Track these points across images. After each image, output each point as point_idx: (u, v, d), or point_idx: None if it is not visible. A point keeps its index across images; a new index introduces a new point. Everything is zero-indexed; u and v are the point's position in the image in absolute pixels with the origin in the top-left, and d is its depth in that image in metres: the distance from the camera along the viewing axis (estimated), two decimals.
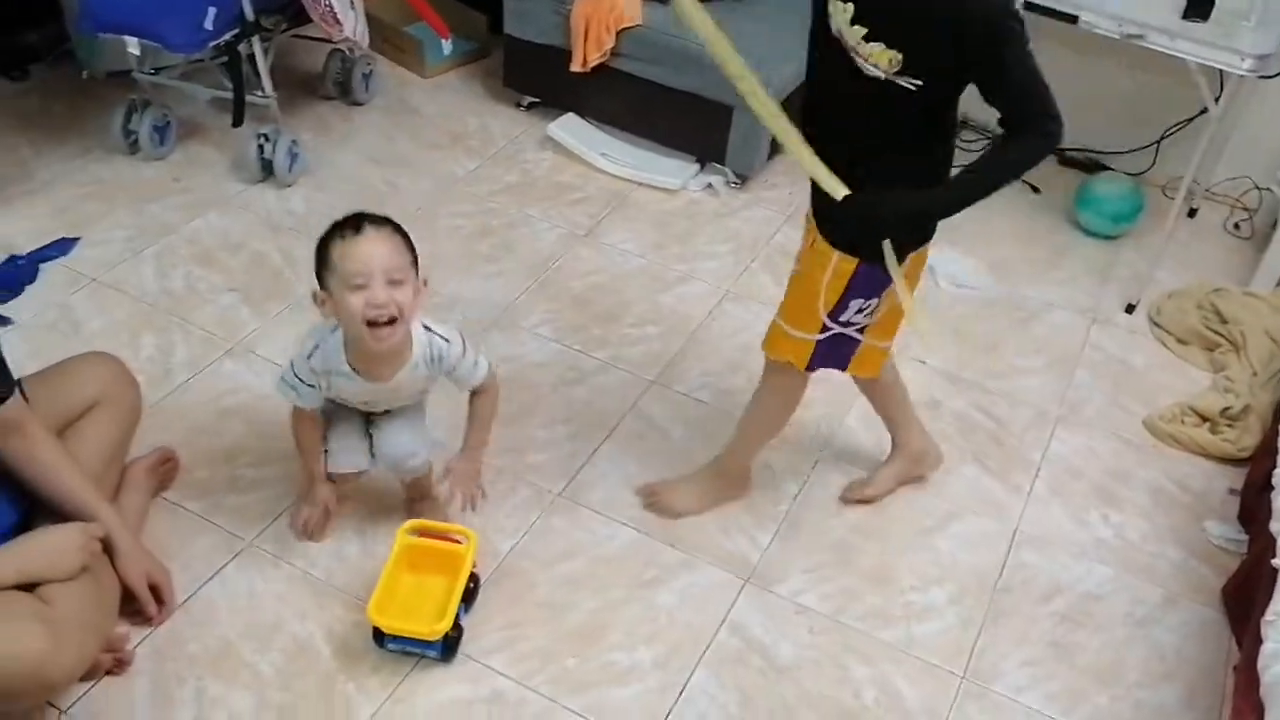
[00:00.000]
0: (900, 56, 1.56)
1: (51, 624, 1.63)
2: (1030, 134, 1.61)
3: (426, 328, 1.86)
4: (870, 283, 1.81)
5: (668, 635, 1.99)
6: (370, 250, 1.70)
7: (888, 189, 1.66)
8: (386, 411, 2.00)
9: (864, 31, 1.57)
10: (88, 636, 1.71)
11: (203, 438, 2.26)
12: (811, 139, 1.67)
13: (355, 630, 1.91)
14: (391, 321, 1.73)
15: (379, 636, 1.86)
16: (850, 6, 1.57)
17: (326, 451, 2.00)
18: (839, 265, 1.80)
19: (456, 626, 1.88)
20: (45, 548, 1.70)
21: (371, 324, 1.72)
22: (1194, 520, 2.31)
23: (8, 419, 1.76)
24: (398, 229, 1.77)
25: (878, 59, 1.57)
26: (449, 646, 1.87)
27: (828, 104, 1.72)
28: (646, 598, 2.05)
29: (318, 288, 1.78)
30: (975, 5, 1.53)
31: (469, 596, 1.94)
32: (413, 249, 1.78)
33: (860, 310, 1.85)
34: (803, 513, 2.25)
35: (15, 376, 1.92)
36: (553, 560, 2.10)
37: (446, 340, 1.87)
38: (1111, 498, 2.36)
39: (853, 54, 1.60)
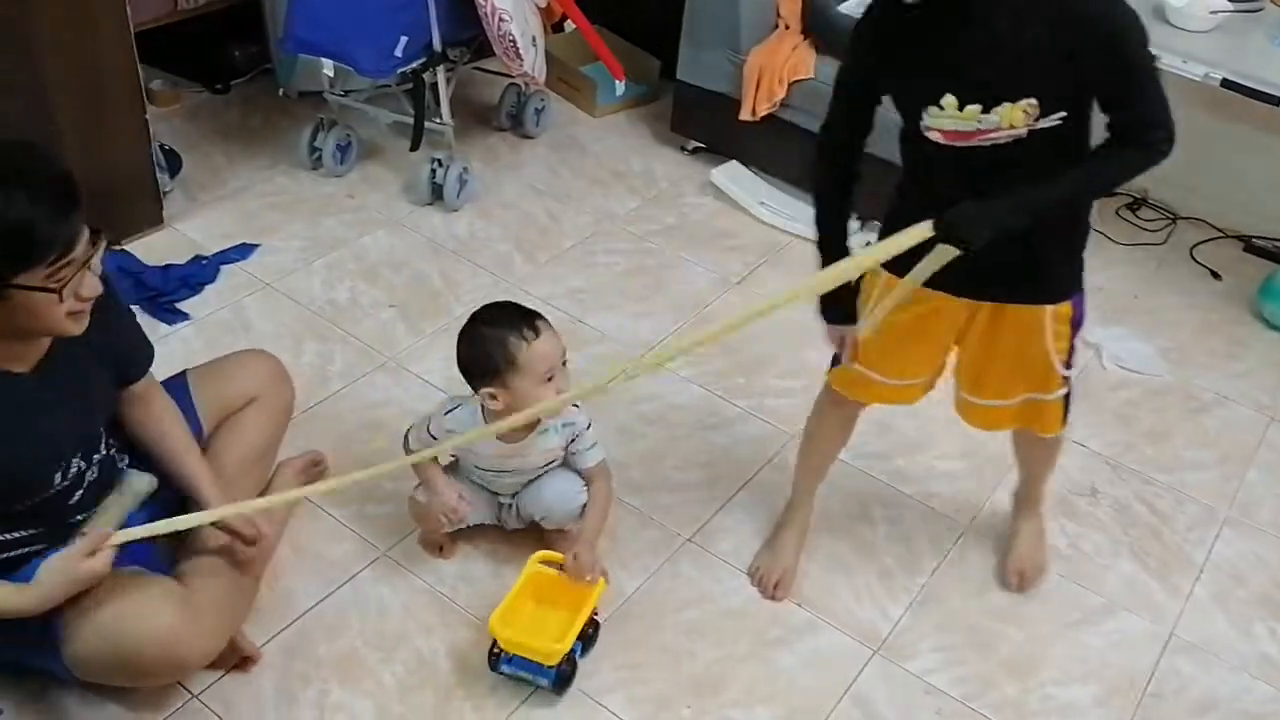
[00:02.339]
0: (1034, 101, 1.48)
1: (188, 605, 1.69)
2: (1138, 145, 1.51)
3: None
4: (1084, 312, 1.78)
5: (787, 698, 1.93)
6: (555, 344, 1.87)
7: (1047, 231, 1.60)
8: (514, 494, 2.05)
9: (979, 108, 1.50)
10: (222, 621, 1.76)
11: (350, 446, 2.32)
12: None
13: (476, 651, 1.92)
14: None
15: (493, 660, 1.86)
16: (950, 99, 1.50)
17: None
18: (1058, 313, 1.74)
19: (571, 661, 1.86)
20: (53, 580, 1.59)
21: None
22: None
23: (135, 390, 1.82)
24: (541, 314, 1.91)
25: (1011, 118, 1.50)
26: (562, 679, 1.86)
27: (967, 192, 1.56)
28: (769, 656, 1.99)
29: (486, 389, 1.86)
30: (1087, 4, 1.45)
31: (588, 640, 1.93)
32: None
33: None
34: (940, 588, 2.16)
35: (184, 367, 2.03)
36: (677, 606, 2.07)
37: (576, 406, 1.97)
38: None
39: (977, 139, 1.53)
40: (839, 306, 1.81)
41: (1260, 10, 2.83)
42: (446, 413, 1.97)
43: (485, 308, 1.94)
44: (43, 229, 1.42)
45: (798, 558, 2.13)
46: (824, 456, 2.13)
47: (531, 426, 1.92)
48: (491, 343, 1.84)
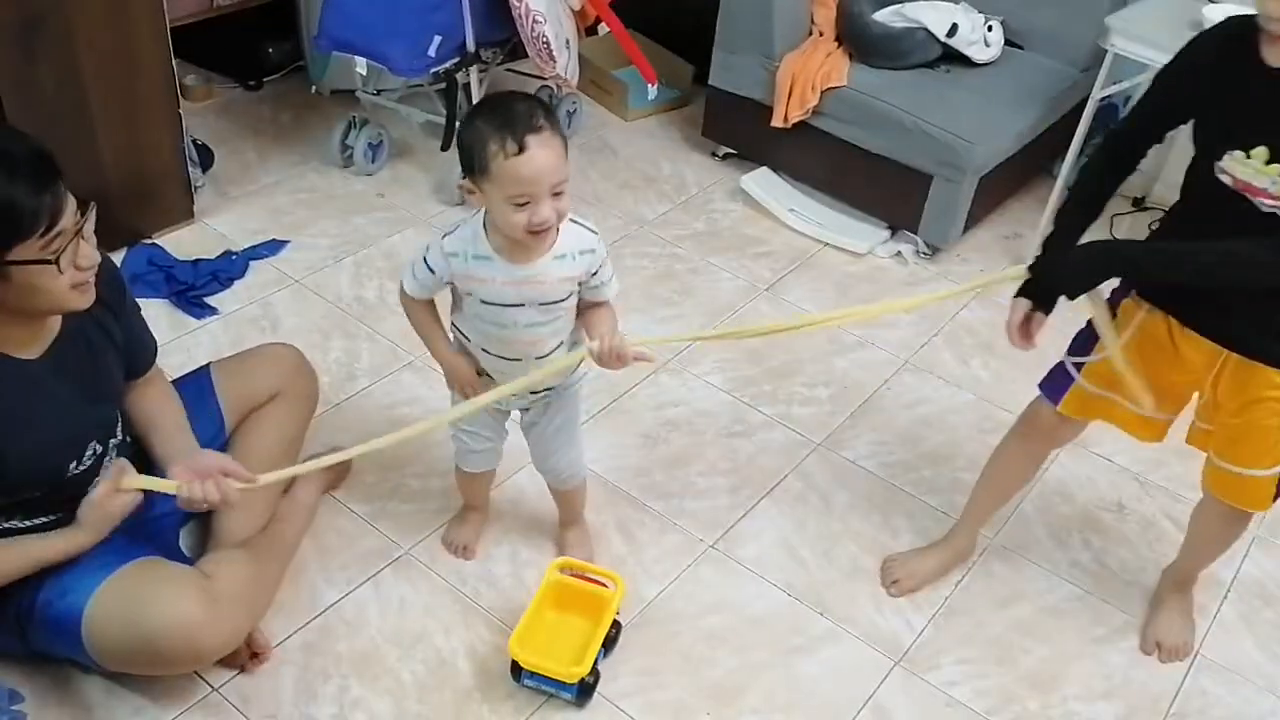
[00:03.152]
0: None
1: (209, 595, 1.71)
2: None
3: (573, 220, 1.74)
4: None
5: (807, 707, 1.92)
6: (537, 169, 1.58)
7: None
8: (545, 403, 1.93)
9: None
10: (242, 612, 1.78)
11: None
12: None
13: (495, 653, 1.92)
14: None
15: (516, 671, 1.86)
16: (1262, 150, 1.49)
17: (457, 453, 1.99)
18: None
19: (594, 671, 1.86)
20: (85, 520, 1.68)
21: (532, 232, 1.64)
22: None
23: (141, 379, 1.81)
24: (555, 128, 1.61)
25: None
26: (584, 691, 1.85)
27: (1226, 237, 1.58)
28: (789, 664, 1.99)
29: (464, 179, 1.65)
30: None
31: (609, 642, 1.93)
32: (565, 141, 1.64)
33: None
34: (964, 600, 2.14)
35: (205, 361, 2.05)
36: (698, 612, 2.06)
37: (594, 233, 1.76)
38: None
39: (1260, 197, 1.52)
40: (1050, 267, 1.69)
41: None
42: (445, 236, 1.76)
43: (497, 95, 1.67)
44: (25, 202, 1.41)
45: (931, 578, 2.14)
46: (1000, 494, 2.12)
47: (538, 249, 1.70)
48: (476, 139, 1.60)
